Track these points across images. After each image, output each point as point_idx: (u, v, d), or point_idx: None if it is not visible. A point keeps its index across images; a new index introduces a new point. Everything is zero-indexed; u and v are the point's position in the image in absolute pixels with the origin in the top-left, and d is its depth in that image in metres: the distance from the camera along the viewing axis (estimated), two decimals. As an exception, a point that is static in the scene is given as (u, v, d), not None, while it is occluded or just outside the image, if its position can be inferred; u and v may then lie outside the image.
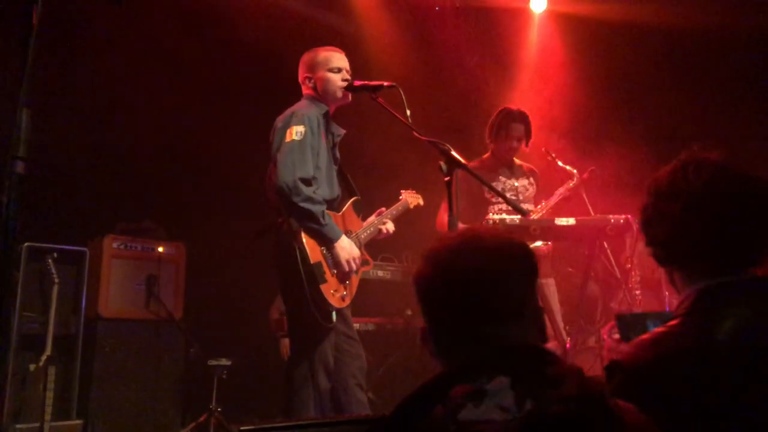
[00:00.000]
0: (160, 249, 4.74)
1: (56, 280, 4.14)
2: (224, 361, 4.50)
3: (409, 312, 5.04)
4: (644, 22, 5.61)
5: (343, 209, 3.31)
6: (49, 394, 3.98)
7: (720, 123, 5.29)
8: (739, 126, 5.23)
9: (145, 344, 4.53)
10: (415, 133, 2.78)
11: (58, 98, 4.42)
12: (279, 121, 3.18)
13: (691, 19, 5.30)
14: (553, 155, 4.15)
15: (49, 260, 4.15)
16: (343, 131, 3.38)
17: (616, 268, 3.79)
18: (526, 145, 4.30)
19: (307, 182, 3.01)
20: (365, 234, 3.36)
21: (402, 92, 2.95)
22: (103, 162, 4.89)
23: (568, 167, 4.13)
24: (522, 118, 4.24)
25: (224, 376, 4.47)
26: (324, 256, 3.03)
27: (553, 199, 4.16)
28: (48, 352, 4.03)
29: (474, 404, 1.08)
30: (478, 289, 1.22)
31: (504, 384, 1.09)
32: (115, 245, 4.57)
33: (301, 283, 2.89)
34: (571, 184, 4.13)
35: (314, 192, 3.03)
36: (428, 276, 1.28)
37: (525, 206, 4.19)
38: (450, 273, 1.25)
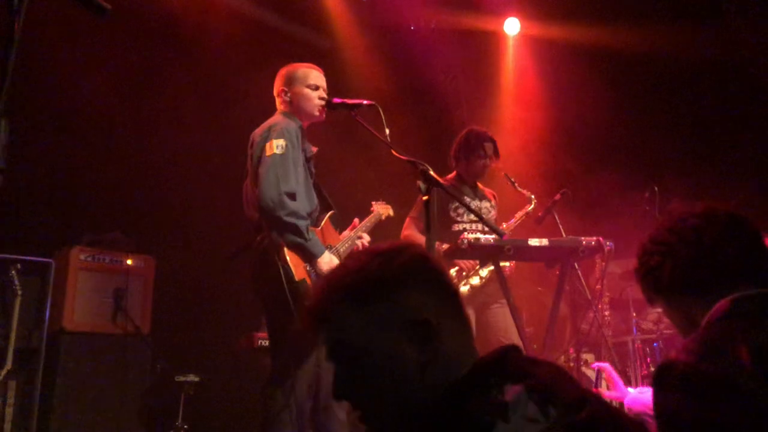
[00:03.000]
0: (129, 261, 4.65)
1: (19, 292, 4.03)
2: (192, 377, 4.42)
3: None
4: (613, 47, 5.77)
5: (322, 223, 3.30)
6: (9, 410, 3.87)
7: (684, 148, 5.44)
8: (704, 152, 5.38)
9: (111, 359, 4.41)
10: (393, 152, 2.78)
11: (26, 106, 4.33)
12: (257, 135, 3.16)
13: (662, 46, 5.46)
14: (513, 180, 4.25)
15: (13, 271, 4.03)
16: (315, 148, 3.38)
17: (586, 289, 3.84)
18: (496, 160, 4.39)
19: (292, 196, 3.00)
20: (344, 248, 3.35)
21: (381, 111, 2.96)
22: (71, 170, 4.79)
23: (525, 192, 4.24)
24: (490, 137, 4.36)
25: (192, 393, 4.39)
26: (308, 272, 3.01)
27: (513, 223, 4.29)
28: (8, 366, 3.91)
29: (503, 420, 1.03)
30: None
31: (520, 392, 1.05)
32: (82, 257, 4.47)
33: (287, 302, 2.85)
34: (529, 209, 4.27)
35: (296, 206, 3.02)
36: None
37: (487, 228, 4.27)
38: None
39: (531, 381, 1.07)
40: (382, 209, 3.82)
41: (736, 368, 1.27)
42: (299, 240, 2.96)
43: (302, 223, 2.97)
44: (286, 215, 2.93)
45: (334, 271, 1.29)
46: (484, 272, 4.05)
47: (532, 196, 4.25)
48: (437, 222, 4.08)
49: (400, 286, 1.21)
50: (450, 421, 1.09)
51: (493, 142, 4.33)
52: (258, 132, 3.18)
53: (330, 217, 3.38)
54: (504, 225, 4.30)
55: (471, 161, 4.33)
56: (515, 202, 4.43)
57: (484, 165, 4.32)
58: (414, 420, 1.17)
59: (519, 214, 4.31)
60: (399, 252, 1.25)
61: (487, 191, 4.50)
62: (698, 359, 1.32)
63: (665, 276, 1.55)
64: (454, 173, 4.43)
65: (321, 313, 1.25)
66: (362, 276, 1.22)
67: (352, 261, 1.27)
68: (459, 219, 4.17)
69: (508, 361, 1.15)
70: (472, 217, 4.19)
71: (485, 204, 4.36)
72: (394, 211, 3.97)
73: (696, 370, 1.30)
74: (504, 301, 4.09)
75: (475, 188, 4.40)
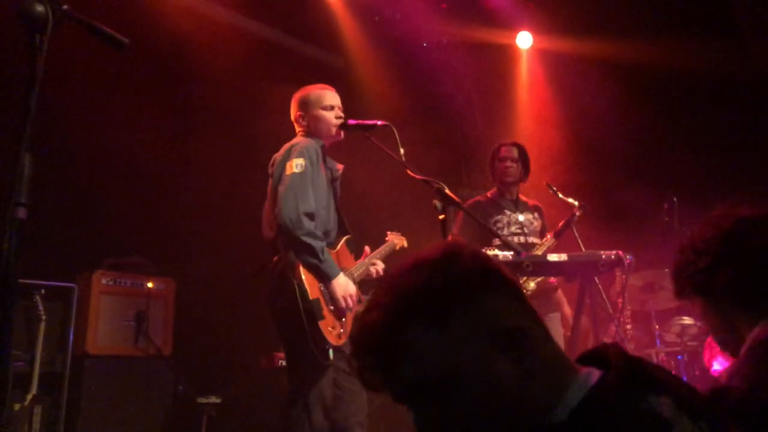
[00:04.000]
0: (150, 284, 4.69)
1: (43, 317, 4.07)
2: (214, 399, 4.44)
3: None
4: (626, 61, 5.75)
5: (338, 246, 3.32)
6: (35, 435, 3.90)
7: (703, 159, 5.39)
8: (723, 163, 5.32)
9: (133, 381, 4.44)
10: (409, 172, 2.83)
11: (48, 133, 4.40)
12: (278, 156, 3.22)
13: (677, 60, 5.44)
14: (555, 188, 4.20)
15: (37, 297, 4.09)
16: (340, 166, 3.41)
17: (607, 303, 3.80)
18: (524, 172, 4.36)
19: (310, 216, 3.02)
20: (358, 272, 3.36)
21: (396, 131, 2.98)
22: (92, 196, 4.85)
23: (570, 200, 4.17)
24: (514, 143, 4.42)
25: (214, 414, 4.40)
26: (322, 292, 3.02)
27: (558, 231, 4.18)
28: (33, 391, 3.95)
29: None
30: None
31: (672, 406, 0.95)
32: (104, 281, 4.52)
33: (300, 320, 2.87)
34: (577, 214, 4.16)
35: (314, 227, 3.03)
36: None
37: (530, 239, 4.27)
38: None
39: (674, 391, 0.98)
40: (396, 240, 3.81)
41: None
42: (314, 261, 2.98)
43: (318, 244, 2.99)
44: (302, 235, 2.95)
45: (385, 295, 1.07)
46: (532, 285, 4.01)
47: (577, 203, 4.16)
48: (479, 239, 4.07)
49: (475, 293, 1.05)
50: None
51: (517, 146, 4.38)
52: (279, 153, 3.23)
53: (346, 241, 3.40)
54: (548, 235, 4.26)
55: (494, 168, 4.40)
56: (560, 211, 4.35)
57: (504, 168, 4.33)
58: None
59: (563, 223, 4.21)
60: (457, 256, 1.08)
61: (531, 203, 4.48)
62: (751, 386, 1.29)
63: (718, 282, 1.49)
64: (495, 188, 4.46)
65: (387, 348, 1.04)
66: (430, 291, 1.04)
67: (404, 278, 1.07)
68: (500, 233, 4.16)
69: (635, 366, 1.04)
70: (514, 229, 4.21)
71: (527, 216, 4.35)
72: (412, 240, 3.95)
73: (752, 397, 1.27)
74: (554, 314, 4.15)
75: (516, 201, 4.41)
